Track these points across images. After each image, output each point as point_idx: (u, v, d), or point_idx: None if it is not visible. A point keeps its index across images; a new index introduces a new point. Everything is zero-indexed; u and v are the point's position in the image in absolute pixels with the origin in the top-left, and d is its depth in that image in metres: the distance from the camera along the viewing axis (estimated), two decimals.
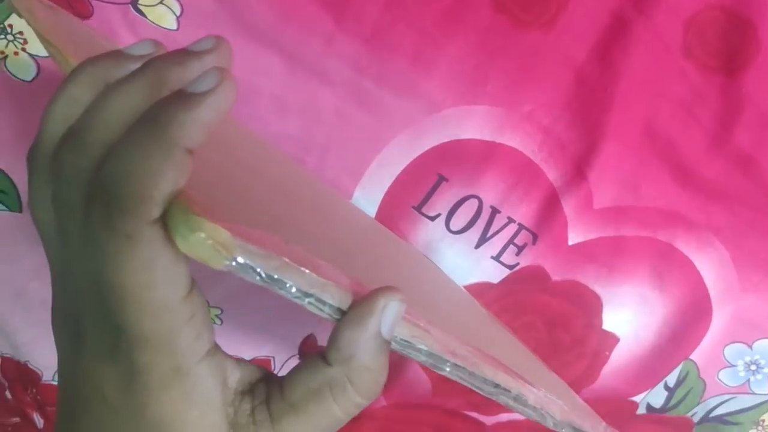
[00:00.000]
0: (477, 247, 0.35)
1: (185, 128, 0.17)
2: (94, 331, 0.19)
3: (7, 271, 0.36)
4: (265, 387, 0.22)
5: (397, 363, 0.38)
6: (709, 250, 0.36)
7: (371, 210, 0.35)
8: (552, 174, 0.35)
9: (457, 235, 0.35)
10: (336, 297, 0.22)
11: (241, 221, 0.19)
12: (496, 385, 0.26)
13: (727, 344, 0.37)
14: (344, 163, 0.34)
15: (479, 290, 0.36)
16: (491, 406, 0.39)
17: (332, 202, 0.32)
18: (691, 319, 0.37)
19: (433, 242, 0.35)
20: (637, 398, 0.38)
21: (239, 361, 0.22)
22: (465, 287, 0.36)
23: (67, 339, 0.21)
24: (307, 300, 0.21)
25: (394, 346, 0.23)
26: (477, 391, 0.25)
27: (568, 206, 0.35)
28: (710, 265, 0.36)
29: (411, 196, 0.35)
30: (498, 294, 0.36)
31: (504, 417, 0.39)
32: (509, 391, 0.26)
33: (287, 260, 0.21)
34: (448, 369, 0.24)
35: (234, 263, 0.19)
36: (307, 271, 0.21)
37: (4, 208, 0.34)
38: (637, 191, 0.35)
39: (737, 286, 0.36)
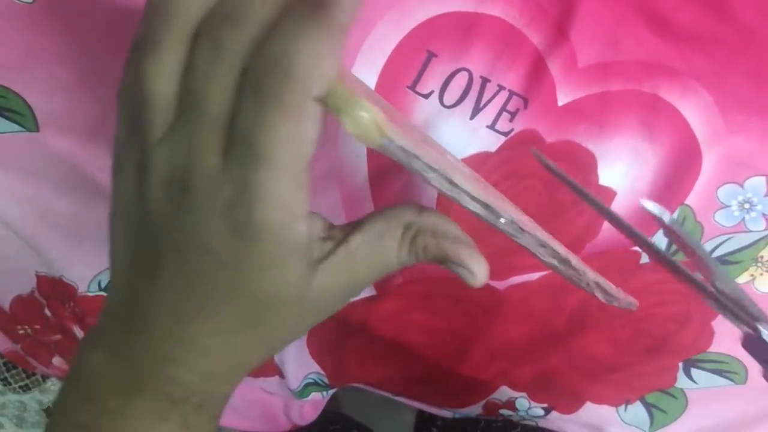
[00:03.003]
0: (472, 118, 0.37)
1: (344, 6, 0.18)
2: (213, 187, 0.20)
3: (31, 190, 0.38)
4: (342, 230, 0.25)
5: None
6: (692, 95, 0.37)
7: None
8: (535, 38, 0.36)
9: (452, 109, 0.37)
10: (460, 177, 0.25)
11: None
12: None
13: (720, 186, 0.39)
14: None
15: (479, 160, 0.38)
16: (502, 272, 0.41)
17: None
18: (682, 165, 0.38)
19: (430, 119, 0.37)
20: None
21: (317, 215, 0.24)
22: (464, 159, 0.38)
23: (169, 198, 0.21)
24: (431, 174, 0.24)
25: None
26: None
27: (554, 67, 0.36)
28: (695, 110, 0.37)
29: (404, 75, 0.36)
30: (497, 162, 0.38)
31: (515, 280, 0.41)
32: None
33: (419, 140, 0.24)
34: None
35: (387, 141, 0.22)
36: (430, 149, 0.24)
37: (22, 129, 0.36)
38: (617, 46, 0.36)
39: (723, 127, 0.38)
